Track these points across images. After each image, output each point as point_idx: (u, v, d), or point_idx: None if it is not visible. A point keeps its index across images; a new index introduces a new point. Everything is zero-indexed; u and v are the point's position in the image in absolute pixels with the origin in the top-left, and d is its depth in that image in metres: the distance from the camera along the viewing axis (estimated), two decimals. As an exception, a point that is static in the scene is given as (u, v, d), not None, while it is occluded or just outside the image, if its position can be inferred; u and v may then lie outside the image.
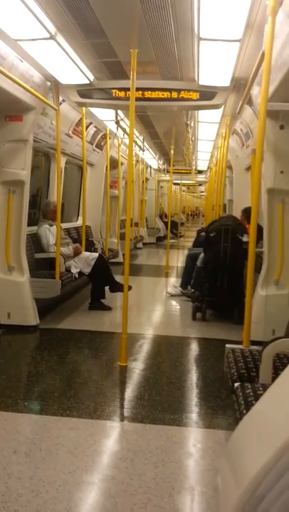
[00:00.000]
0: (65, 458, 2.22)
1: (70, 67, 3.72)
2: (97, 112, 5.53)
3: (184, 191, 21.46)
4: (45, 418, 2.64)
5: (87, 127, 5.97)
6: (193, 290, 5.45)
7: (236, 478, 1.28)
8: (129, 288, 4.23)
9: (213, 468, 2.18)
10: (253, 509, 1.14)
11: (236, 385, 2.12)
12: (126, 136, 6.29)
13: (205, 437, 2.52)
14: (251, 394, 1.94)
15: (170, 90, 4.09)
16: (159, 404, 2.86)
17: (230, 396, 2.46)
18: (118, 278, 5.31)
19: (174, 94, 4.10)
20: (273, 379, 2.03)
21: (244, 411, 1.85)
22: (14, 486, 1.98)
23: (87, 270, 5.10)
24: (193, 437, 2.52)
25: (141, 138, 7.63)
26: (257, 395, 1.90)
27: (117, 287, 5.17)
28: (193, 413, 2.78)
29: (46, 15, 2.88)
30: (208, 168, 12.44)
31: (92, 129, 6.38)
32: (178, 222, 14.14)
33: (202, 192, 22.95)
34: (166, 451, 2.32)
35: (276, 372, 2.09)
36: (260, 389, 1.97)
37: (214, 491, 1.96)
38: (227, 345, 2.70)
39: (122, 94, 4.15)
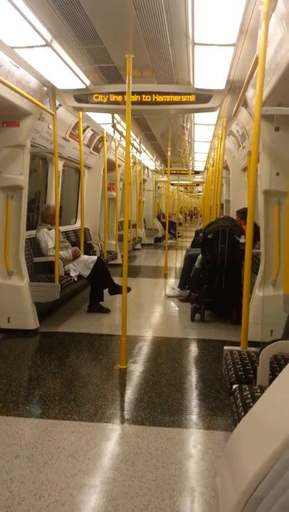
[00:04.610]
0: (67, 461, 2.25)
1: (66, 73, 3.74)
2: (94, 115, 5.55)
3: (181, 191, 21.49)
4: (46, 422, 2.67)
5: (84, 131, 6.00)
6: (188, 291, 5.47)
7: (235, 480, 1.30)
8: (128, 290, 4.27)
9: (213, 469, 2.22)
10: (251, 511, 1.17)
11: (234, 387, 2.15)
12: (123, 138, 6.32)
13: (205, 438, 2.55)
14: (249, 396, 1.97)
15: (166, 94, 4.12)
16: (159, 406, 2.89)
17: (229, 397, 2.49)
18: (117, 280, 5.35)
19: (170, 98, 4.13)
20: (271, 381, 2.06)
21: (242, 413, 1.88)
22: (17, 490, 2.01)
23: (86, 273, 5.13)
24: (193, 438, 2.55)
25: (138, 140, 7.67)
26: (255, 397, 1.93)
27: (116, 289, 5.20)
28: (193, 414, 2.81)
29: (42, 22, 2.91)
30: (205, 168, 12.48)
31: (89, 133, 6.41)
32: (176, 223, 14.16)
33: (199, 192, 23.00)
34: (167, 453, 2.35)
35: (273, 374, 2.12)
36: (258, 391, 2.00)
37: (214, 492, 1.99)
38: (225, 347, 2.72)
39: (118, 98, 4.18)
